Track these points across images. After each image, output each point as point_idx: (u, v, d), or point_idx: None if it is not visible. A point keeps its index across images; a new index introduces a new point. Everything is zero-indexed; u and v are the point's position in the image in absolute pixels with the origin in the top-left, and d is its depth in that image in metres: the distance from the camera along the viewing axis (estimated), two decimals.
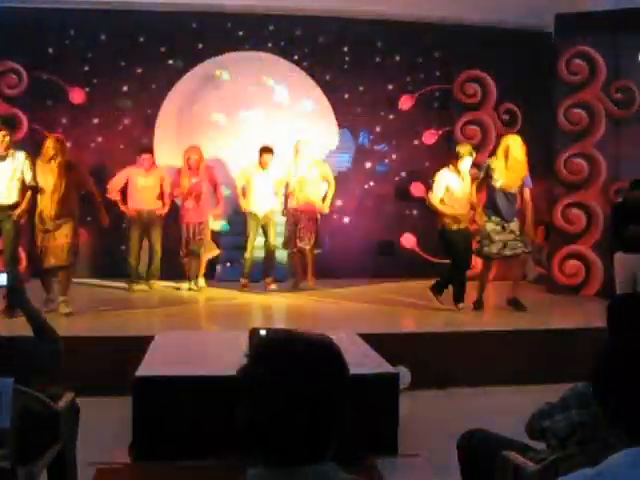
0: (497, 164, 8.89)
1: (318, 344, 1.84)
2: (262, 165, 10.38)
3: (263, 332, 5.39)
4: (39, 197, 8.32)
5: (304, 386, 1.74)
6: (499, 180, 8.83)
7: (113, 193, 10.28)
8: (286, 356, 1.78)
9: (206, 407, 5.15)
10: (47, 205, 8.22)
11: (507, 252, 8.95)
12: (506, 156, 8.84)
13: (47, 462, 3.85)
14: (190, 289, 10.34)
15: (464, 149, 9.03)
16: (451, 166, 9.06)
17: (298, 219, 10.35)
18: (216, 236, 11.03)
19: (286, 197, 10.53)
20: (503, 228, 8.89)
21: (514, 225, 8.96)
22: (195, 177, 10.28)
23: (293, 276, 10.88)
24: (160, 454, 5.23)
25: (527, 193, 9.08)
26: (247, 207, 10.43)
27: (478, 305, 9.11)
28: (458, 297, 8.98)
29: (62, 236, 8.25)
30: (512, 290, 9.22)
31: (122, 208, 10.27)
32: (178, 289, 10.34)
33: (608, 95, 10.42)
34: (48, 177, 8.25)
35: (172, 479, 5.08)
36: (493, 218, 8.89)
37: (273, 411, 1.73)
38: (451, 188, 8.92)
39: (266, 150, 10.38)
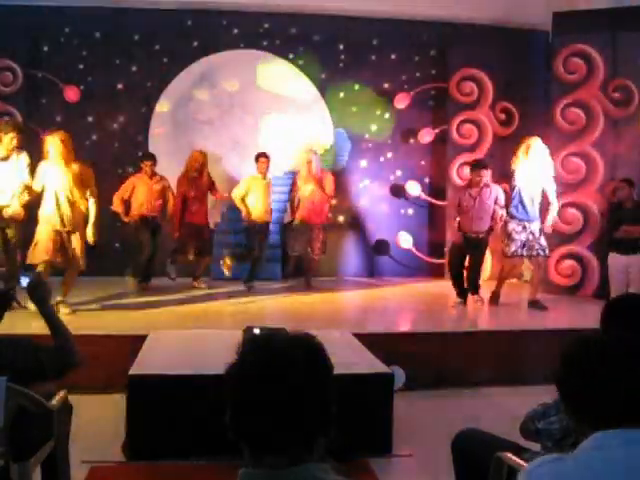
0: (518, 164, 9.00)
1: (298, 341, 1.84)
2: (259, 171, 10.40)
3: (257, 331, 5.38)
4: (57, 199, 8.17)
5: (286, 383, 1.73)
6: (520, 180, 8.96)
7: (117, 203, 10.24)
8: (267, 354, 1.79)
9: (200, 406, 5.12)
10: (65, 207, 8.19)
11: (524, 252, 9.01)
12: (527, 156, 9.00)
13: (40, 460, 3.84)
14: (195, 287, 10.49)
15: None
16: None
17: (307, 228, 10.40)
18: (212, 235, 11.08)
19: (297, 205, 10.60)
20: (524, 228, 8.96)
21: (535, 226, 9.02)
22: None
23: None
24: (154, 453, 5.22)
25: (551, 195, 9.23)
26: (248, 215, 10.44)
27: (494, 299, 9.26)
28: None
29: (77, 238, 8.26)
30: (531, 292, 9.24)
31: (125, 219, 10.27)
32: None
33: (606, 94, 10.40)
34: (59, 178, 8.20)
35: (165, 478, 5.06)
36: (515, 217, 8.99)
37: (257, 409, 1.72)
38: None
39: (260, 156, 10.43)
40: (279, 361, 1.76)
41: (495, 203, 9.01)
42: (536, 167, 9.01)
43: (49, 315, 3.95)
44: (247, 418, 1.74)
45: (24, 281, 3.72)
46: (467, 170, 10.62)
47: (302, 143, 11.40)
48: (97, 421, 5.65)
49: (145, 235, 10.24)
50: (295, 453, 1.74)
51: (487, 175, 9.06)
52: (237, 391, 1.76)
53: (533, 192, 9.03)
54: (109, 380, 6.14)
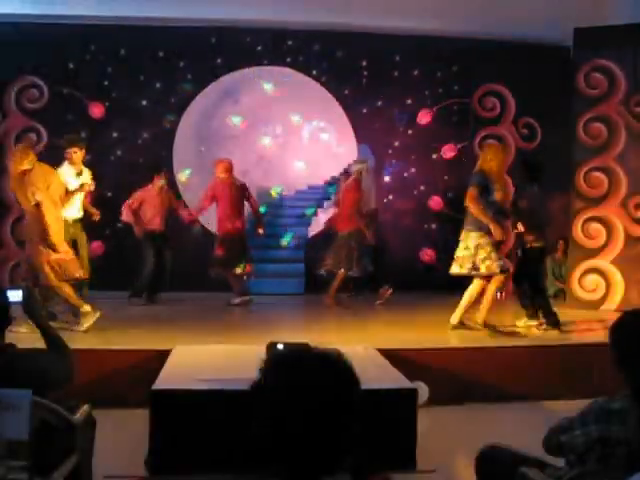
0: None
1: (328, 358, 1.84)
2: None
3: (281, 346, 5.38)
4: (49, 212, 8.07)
5: (315, 400, 1.74)
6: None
7: (127, 215, 10.45)
8: (297, 370, 1.80)
9: (223, 421, 5.13)
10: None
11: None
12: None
13: (63, 475, 3.84)
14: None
15: None
16: None
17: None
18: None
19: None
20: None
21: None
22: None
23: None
24: (176, 468, 5.22)
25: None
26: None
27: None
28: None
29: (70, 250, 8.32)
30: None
31: (136, 230, 10.45)
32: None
33: (628, 109, 10.36)
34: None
35: None
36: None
37: (286, 425, 1.73)
38: None
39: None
40: (309, 380, 1.77)
41: None
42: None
43: (42, 325, 4.01)
44: (273, 434, 1.74)
45: (12, 295, 3.75)
46: None
47: (326, 158, 11.44)
48: (119, 436, 5.66)
49: (149, 251, 10.42)
50: (320, 467, 1.75)
51: None
52: (266, 408, 1.77)
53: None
54: (132, 394, 6.16)
